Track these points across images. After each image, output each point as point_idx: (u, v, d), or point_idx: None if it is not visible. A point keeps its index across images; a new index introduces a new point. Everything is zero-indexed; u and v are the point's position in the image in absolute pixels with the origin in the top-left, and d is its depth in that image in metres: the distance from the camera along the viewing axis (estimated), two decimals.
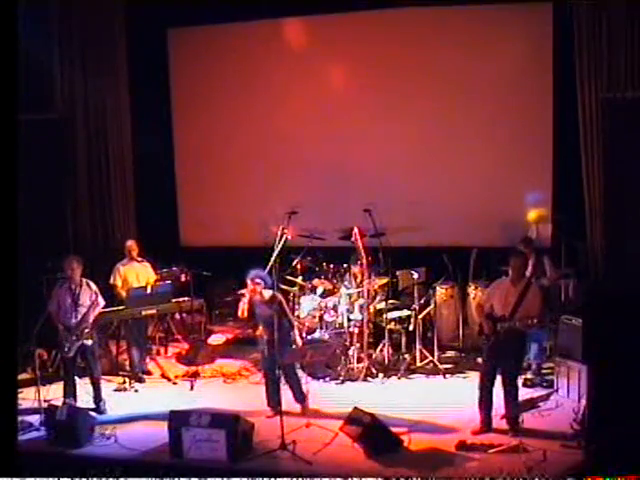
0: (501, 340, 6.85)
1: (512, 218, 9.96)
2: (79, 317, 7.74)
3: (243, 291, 7.61)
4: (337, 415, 7.30)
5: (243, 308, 7.55)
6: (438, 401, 7.87)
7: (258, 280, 7.50)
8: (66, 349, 7.69)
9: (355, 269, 9.11)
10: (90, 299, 7.82)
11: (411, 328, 8.93)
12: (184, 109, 11.53)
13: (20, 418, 7.23)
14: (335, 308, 9.01)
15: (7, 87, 6.01)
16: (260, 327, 7.56)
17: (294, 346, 7.59)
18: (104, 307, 8.14)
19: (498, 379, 7.04)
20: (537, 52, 9.94)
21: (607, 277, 9.47)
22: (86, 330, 7.72)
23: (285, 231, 9.20)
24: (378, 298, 9.18)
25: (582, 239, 9.65)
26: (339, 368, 8.59)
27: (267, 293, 7.54)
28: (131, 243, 9.07)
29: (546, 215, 10.05)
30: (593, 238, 9.67)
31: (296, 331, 7.66)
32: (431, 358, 8.81)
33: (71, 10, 10.77)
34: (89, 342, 7.74)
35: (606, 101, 9.40)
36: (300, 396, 7.62)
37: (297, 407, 7.64)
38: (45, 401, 7.62)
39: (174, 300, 9.18)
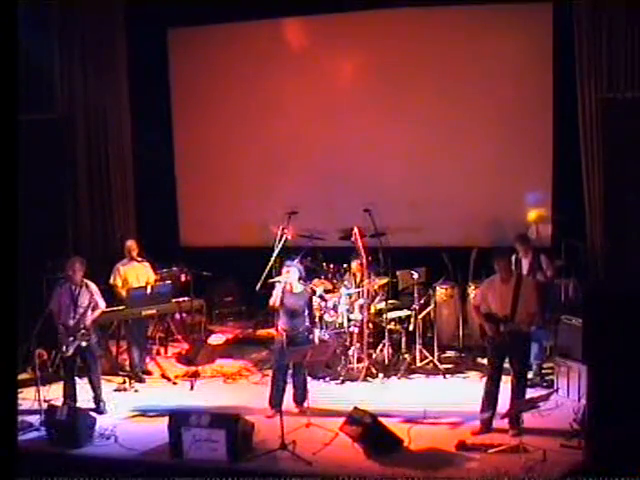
0: (507, 341, 6.84)
1: (512, 218, 9.96)
2: (77, 317, 7.73)
3: (278, 278, 7.54)
4: (337, 415, 7.29)
5: (277, 296, 7.46)
6: (438, 401, 7.85)
7: (295, 270, 7.51)
8: (64, 349, 7.68)
9: (354, 266, 9.10)
10: (89, 300, 7.81)
11: (411, 328, 8.94)
12: (184, 109, 11.54)
13: (20, 418, 7.22)
14: (335, 308, 9.01)
15: (7, 87, 6.01)
16: (281, 321, 7.52)
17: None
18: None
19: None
20: (537, 52, 9.95)
21: (607, 277, 9.47)
22: (83, 331, 7.70)
23: (285, 231, 9.21)
24: (378, 298, 9.18)
25: (582, 239, 9.65)
26: (339, 368, 8.59)
27: (298, 285, 7.55)
28: (131, 243, 9.06)
29: (546, 215, 10.05)
30: (593, 238, 9.67)
31: (316, 330, 7.64)
32: (431, 358, 8.81)
33: (71, 10, 10.77)
34: (84, 344, 7.71)
35: (606, 101, 9.41)
36: (302, 397, 7.61)
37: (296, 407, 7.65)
38: (45, 401, 7.61)
39: (174, 300, 9.16)
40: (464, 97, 10.32)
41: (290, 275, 7.49)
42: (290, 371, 7.57)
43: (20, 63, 6.56)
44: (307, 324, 7.63)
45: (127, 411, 7.88)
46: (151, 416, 7.67)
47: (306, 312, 7.60)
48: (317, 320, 8.94)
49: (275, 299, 7.48)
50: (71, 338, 7.66)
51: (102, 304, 7.99)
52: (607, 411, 5.93)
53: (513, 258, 7.70)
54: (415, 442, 6.86)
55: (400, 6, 10.23)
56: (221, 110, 11.24)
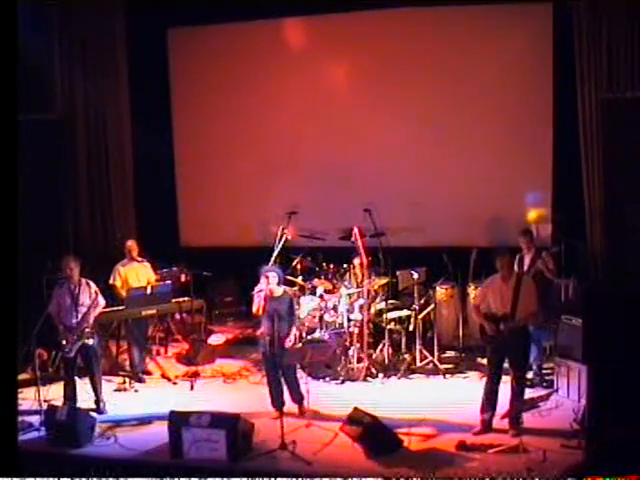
0: (507, 340, 6.84)
1: (512, 218, 9.96)
2: (79, 317, 7.72)
3: (261, 287, 7.55)
4: (337, 415, 7.30)
5: (259, 305, 7.39)
6: (438, 401, 7.85)
7: (274, 274, 7.46)
8: (67, 349, 7.68)
9: (355, 263, 9.09)
10: (90, 298, 7.81)
11: (411, 328, 8.94)
12: (184, 109, 11.54)
13: (20, 418, 7.22)
14: (335, 308, 9.01)
15: (7, 87, 6.01)
16: (263, 325, 7.48)
17: (295, 345, 7.53)
18: (104, 307, 8.13)
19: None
20: (537, 52, 9.95)
21: (607, 277, 9.47)
22: (87, 330, 7.71)
23: (285, 231, 9.22)
24: (378, 298, 9.19)
25: (582, 239, 9.65)
26: (339, 368, 8.59)
27: (278, 289, 7.50)
28: (131, 243, 9.06)
29: (546, 215, 10.05)
30: (593, 238, 9.67)
31: (294, 330, 7.61)
32: (431, 358, 8.81)
33: (71, 10, 10.78)
34: (90, 342, 7.73)
35: (606, 101, 9.41)
36: (297, 396, 7.61)
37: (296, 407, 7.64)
38: (45, 401, 7.60)
39: (174, 300, 9.15)
40: (464, 97, 10.32)
41: (270, 281, 7.39)
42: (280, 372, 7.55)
43: (20, 63, 6.53)
44: (288, 327, 7.49)
45: (127, 416, 7.77)
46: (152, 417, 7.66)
47: (288, 315, 7.49)
48: (317, 320, 8.97)
49: (257, 306, 7.41)
50: (75, 338, 7.65)
51: (102, 302, 8.00)
52: (607, 411, 5.95)
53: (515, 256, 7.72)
54: (415, 442, 6.84)
55: (400, 6, 10.23)
56: (221, 110, 11.24)
